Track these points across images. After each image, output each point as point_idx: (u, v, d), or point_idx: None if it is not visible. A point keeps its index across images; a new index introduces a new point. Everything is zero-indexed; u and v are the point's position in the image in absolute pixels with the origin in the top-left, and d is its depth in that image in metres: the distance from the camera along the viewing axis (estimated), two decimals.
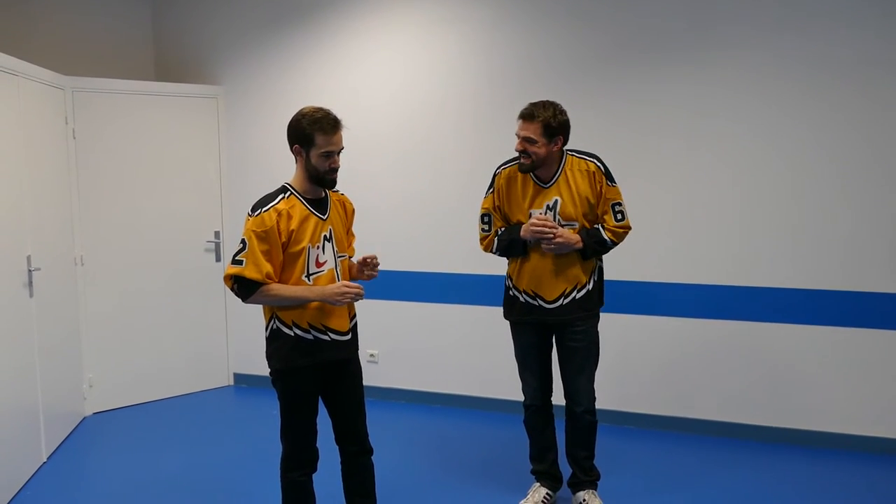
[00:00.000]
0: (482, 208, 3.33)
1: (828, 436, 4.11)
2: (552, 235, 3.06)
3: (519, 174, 3.21)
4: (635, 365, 4.45)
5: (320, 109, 2.62)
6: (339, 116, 2.65)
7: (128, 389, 5.04)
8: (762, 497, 3.54)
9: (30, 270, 3.94)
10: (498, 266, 4.58)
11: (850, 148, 3.95)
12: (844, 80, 3.92)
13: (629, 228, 3.25)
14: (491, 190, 3.31)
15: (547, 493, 3.43)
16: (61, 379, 4.45)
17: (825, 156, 4.00)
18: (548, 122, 3.05)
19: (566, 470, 3.50)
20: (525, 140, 3.08)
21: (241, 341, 5.45)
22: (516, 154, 3.22)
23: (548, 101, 3.12)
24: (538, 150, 3.08)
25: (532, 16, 4.50)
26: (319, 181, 2.66)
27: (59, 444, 4.34)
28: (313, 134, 2.59)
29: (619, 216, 3.21)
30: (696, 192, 4.26)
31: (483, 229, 3.33)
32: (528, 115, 3.08)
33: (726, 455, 4.04)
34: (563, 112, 3.11)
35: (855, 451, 4.03)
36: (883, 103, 3.88)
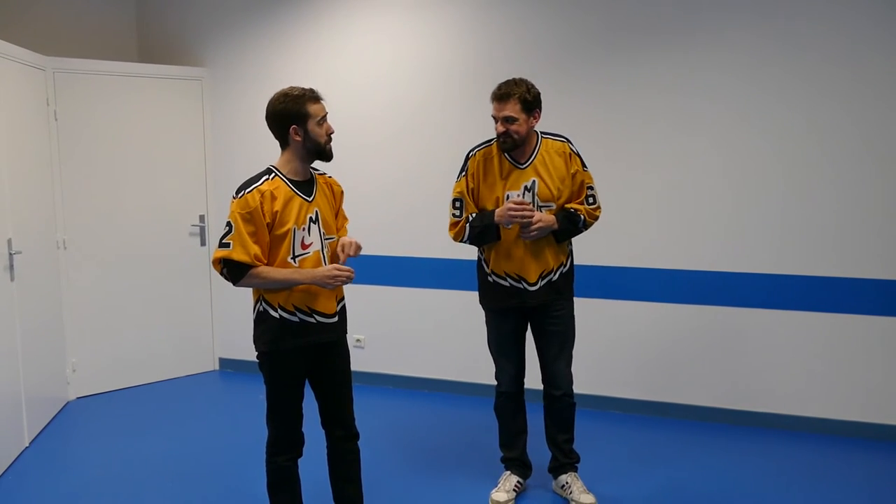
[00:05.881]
0: (454, 192, 3.25)
1: (810, 420, 4.15)
2: (531, 221, 3.03)
3: (495, 155, 3.18)
4: (621, 350, 4.47)
5: (293, 88, 2.66)
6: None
7: (112, 374, 5.01)
8: (739, 479, 3.58)
9: (10, 254, 3.89)
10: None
11: (840, 132, 3.97)
12: (834, 63, 3.93)
13: (600, 212, 3.27)
14: (463, 173, 3.24)
15: (518, 481, 3.43)
16: (44, 363, 4.41)
17: (814, 140, 4.01)
18: (524, 96, 3.05)
19: (537, 457, 3.51)
20: (505, 120, 3.06)
21: (226, 326, 5.42)
22: (489, 138, 3.23)
23: (515, 77, 3.11)
24: (519, 128, 3.06)
25: None
26: (320, 152, 2.66)
27: (42, 429, 4.31)
28: (304, 106, 2.61)
29: (590, 199, 3.22)
30: (683, 177, 4.26)
31: (454, 214, 3.24)
32: (503, 95, 3.06)
33: (707, 439, 4.08)
34: (533, 85, 3.11)
35: (837, 437, 4.08)
36: (873, 86, 3.89)
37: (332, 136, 2.69)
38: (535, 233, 3.07)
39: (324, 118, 2.66)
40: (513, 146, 3.10)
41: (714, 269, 4.24)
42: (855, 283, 4.01)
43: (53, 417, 4.51)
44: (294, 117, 2.60)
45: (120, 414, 4.60)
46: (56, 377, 4.64)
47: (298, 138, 2.62)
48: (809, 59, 3.97)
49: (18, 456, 3.94)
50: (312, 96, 2.64)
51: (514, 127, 3.06)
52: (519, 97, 3.04)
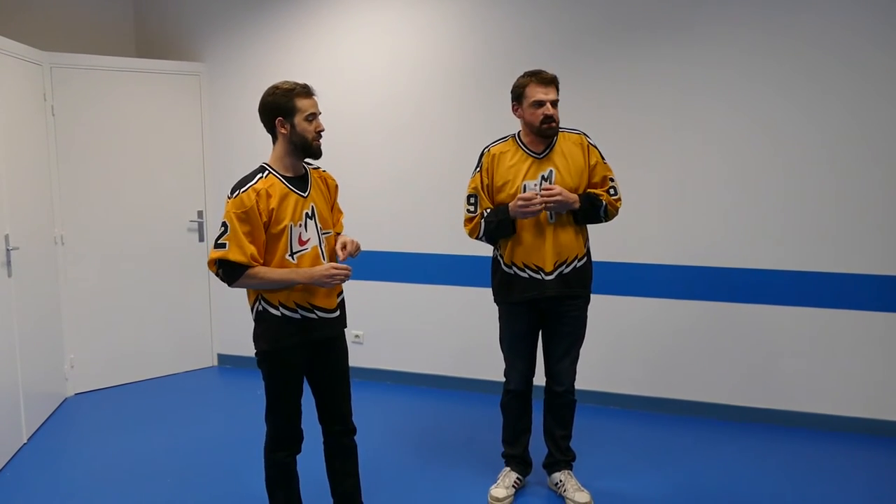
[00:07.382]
0: (469, 188, 3.25)
1: (813, 416, 4.15)
2: (548, 198, 3.00)
3: (510, 149, 3.19)
4: (625, 346, 4.47)
5: (286, 81, 2.64)
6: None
7: (110, 370, 5.00)
8: (742, 475, 3.57)
9: (8, 250, 3.88)
10: (484, 247, 4.58)
11: (840, 127, 3.95)
12: (834, 58, 3.92)
13: (620, 203, 3.25)
14: (478, 169, 3.24)
15: (517, 478, 3.43)
16: (42, 359, 4.40)
17: (813, 136, 4.00)
18: (558, 85, 3.14)
19: (535, 454, 3.50)
20: (553, 104, 3.08)
21: (224, 322, 5.41)
22: (503, 136, 3.24)
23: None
24: (557, 113, 3.10)
25: None
26: (307, 149, 2.63)
27: (40, 425, 4.30)
28: (293, 100, 2.58)
29: (612, 191, 3.20)
30: (683, 172, 4.25)
31: (469, 210, 3.24)
32: (552, 79, 3.11)
33: (710, 435, 4.07)
34: None
35: (840, 433, 4.08)
36: (874, 82, 3.87)
37: (321, 133, 2.65)
38: (554, 204, 3.02)
39: (313, 115, 2.62)
40: (555, 132, 3.12)
41: (719, 265, 4.23)
42: (857, 278, 4.00)
43: (51, 414, 4.50)
44: (281, 110, 2.58)
45: (118, 410, 4.58)
46: (54, 373, 4.63)
47: (284, 131, 2.60)
48: (810, 55, 3.95)
49: (16, 452, 3.93)
50: (303, 91, 2.61)
51: (556, 111, 3.09)
52: (557, 84, 3.11)
